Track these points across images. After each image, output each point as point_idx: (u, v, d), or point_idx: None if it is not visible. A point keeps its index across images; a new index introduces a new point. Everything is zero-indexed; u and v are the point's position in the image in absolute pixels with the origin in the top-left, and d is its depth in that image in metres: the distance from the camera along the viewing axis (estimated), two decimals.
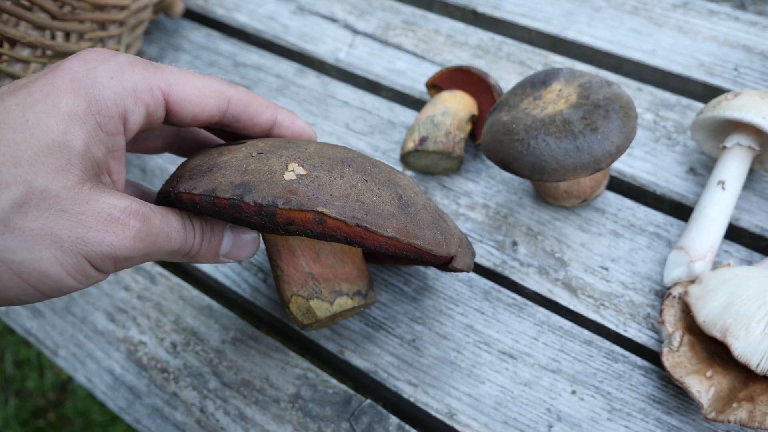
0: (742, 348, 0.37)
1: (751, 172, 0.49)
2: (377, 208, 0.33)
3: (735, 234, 0.48)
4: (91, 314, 0.52)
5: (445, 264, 0.39)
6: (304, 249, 0.39)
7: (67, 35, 0.57)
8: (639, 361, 0.43)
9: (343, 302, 0.39)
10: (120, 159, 0.31)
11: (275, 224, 0.31)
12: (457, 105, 0.51)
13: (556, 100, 0.43)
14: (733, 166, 0.45)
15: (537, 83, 0.45)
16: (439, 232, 0.37)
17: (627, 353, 0.44)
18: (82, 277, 0.28)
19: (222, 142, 0.41)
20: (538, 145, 0.41)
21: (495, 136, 0.44)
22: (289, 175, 0.32)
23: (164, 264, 0.57)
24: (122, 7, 0.56)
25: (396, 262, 0.46)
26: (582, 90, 0.43)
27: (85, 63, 0.29)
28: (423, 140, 0.49)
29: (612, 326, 0.45)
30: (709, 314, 0.39)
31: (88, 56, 0.29)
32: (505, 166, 0.43)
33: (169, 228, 0.30)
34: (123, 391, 0.48)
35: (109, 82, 0.29)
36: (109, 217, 0.28)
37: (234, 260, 0.36)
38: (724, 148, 0.46)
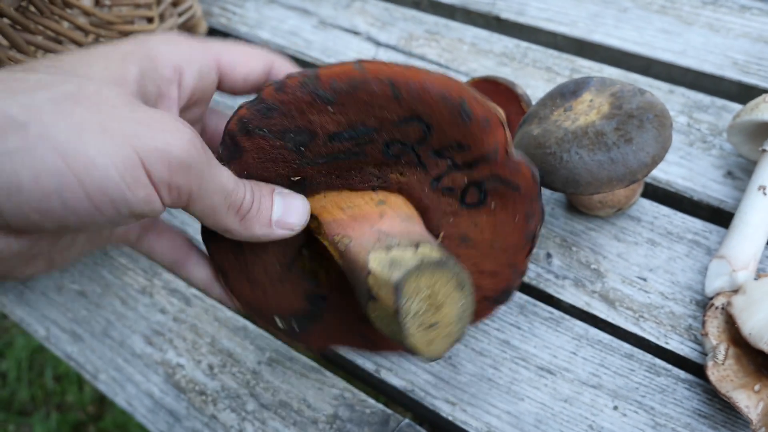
0: None
1: None
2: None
3: None
4: (129, 338, 0.53)
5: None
6: (367, 214, 0.35)
7: None
8: (682, 374, 0.42)
9: (427, 251, 0.32)
10: (171, 111, 0.33)
11: (317, 87, 0.31)
12: None
13: (588, 110, 0.42)
14: None
15: (567, 94, 0.45)
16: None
17: (669, 366, 0.43)
18: (135, 184, 0.25)
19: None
20: (571, 159, 0.41)
21: (526, 150, 0.43)
22: None
23: None
24: (148, 33, 0.56)
25: None
26: (614, 99, 0.42)
27: (138, 39, 0.32)
28: None
29: (653, 339, 0.44)
30: (755, 326, 0.38)
31: (140, 36, 0.33)
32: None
33: (218, 165, 0.30)
34: (163, 415, 0.48)
35: (163, 45, 0.32)
36: (163, 118, 0.27)
37: (287, 229, 0.33)
38: (764, 151, 0.45)
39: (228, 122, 0.32)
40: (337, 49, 0.68)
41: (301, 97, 0.31)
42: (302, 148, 0.33)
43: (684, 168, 0.51)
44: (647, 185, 0.51)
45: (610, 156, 0.40)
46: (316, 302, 0.38)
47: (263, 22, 0.73)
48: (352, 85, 0.31)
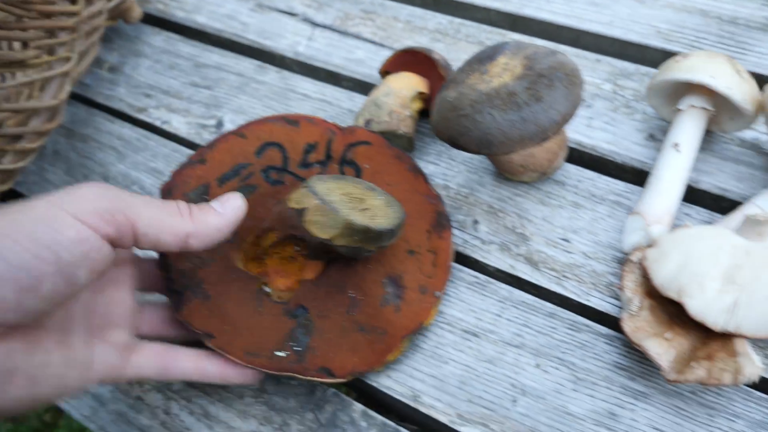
0: (698, 306, 0.36)
1: (709, 133, 0.49)
2: None
3: (695, 196, 0.47)
4: None
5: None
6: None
7: (24, 44, 0.57)
8: (603, 329, 0.43)
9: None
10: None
11: (189, 160, 0.46)
12: (400, 84, 0.50)
13: (502, 73, 0.42)
14: (687, 128, 0.44)
15: (484, 58, 0.45)
16: None
17: (590, 323, 0.43)
18: (61, 226, 0.30)
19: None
20: (483, 119, 0.41)
21: (442, 114, 0.43)
22: None
23: None
24: (72, 14, 0.55)
25: None
26: (527, 61, 0.42)
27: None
28: (368, 123, 0.49)
29: (575, 297, 0.44)
30: (665, 276, 0.38)
31: None
32: (454, 142, 0.43)
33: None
34: (87, 399, 0.47)
35: None
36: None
37: (233, 210, 0.37)
38: (678, 110, 0.45)
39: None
40: (274, 31, 0.68)
41: (183, 170, 0.45)
42: (206, 197, 0.45)
43: (608, 133, 0.51)
44: (572, 150, 0.52)
45: (521, 115, 0.40)
46: (298, 313, 0.42)
47: (201, 7, 0.72)
48: (210, 146, 0.46)
